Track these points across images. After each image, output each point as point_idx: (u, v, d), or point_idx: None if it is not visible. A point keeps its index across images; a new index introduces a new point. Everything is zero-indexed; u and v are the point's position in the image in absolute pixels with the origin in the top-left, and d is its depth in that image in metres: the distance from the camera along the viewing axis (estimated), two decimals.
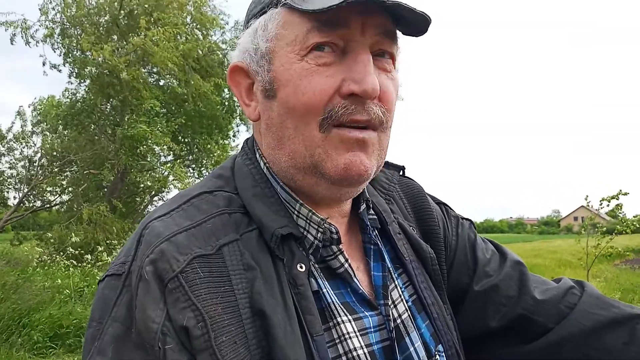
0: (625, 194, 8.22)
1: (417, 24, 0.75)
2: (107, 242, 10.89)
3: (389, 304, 0.82)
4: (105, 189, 14.81)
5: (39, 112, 16.18)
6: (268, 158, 0.82)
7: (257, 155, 0.85)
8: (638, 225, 8.47)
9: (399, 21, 0.76)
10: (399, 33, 0.79)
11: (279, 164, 0.80)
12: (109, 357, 0.67)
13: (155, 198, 15.51)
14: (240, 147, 0.92)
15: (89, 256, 9.89)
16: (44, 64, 13.91)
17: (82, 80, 13.99)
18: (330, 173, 0.75)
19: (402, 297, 0.86)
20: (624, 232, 8.45)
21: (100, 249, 10.08)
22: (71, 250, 9.62)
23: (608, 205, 8.43)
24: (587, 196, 8.82)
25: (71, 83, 14.51)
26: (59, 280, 7.98)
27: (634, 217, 8.87)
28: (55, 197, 15.42)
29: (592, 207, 9.00)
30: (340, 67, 0.74)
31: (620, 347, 0.86)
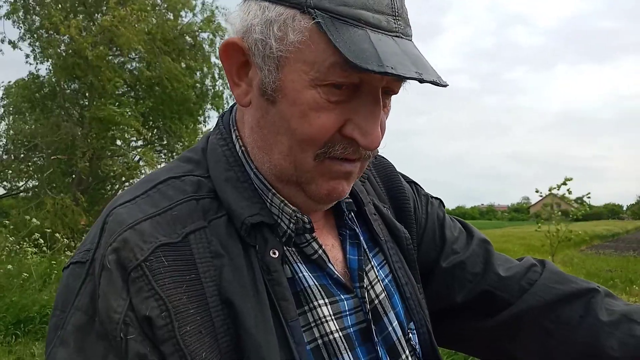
0: (570, 179, 8.61)
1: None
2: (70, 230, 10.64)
3: (365, 286, 0.82)
4: (74, 176, 14.43)
5: (7, 95, 15.59)
6: (252, 151, 0.79)
7: (234, 136, 0.81)
8: (588, 210, 8.87)
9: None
10: None
11: (261, 164, 0.78)
12: (71, 346, 0.65)
13: (127, 184, 15.19)
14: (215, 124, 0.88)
15: (55, 242, 9.63)
16: (2, 42, 13.47)
17: (44, 60, 13.56)
18: (311, 194, 0.76)
19: (379, 277, 0.87)
20: (578, 217, 8.97)
21: (58, 236, 9.81)
22: (36, 235, 9.33)
23: (558, 192, 8.86)
24: (537, 189, 9.31)
25: (29, 64, 14.10)
26: (24, 268, 7.79)
27: (580, 197, 9.36)
28: (22, 184, 14.96)
29: (559, 194, 9.36)
30: (348, 105, 0.71)
31: (577, 319, 0.91)
